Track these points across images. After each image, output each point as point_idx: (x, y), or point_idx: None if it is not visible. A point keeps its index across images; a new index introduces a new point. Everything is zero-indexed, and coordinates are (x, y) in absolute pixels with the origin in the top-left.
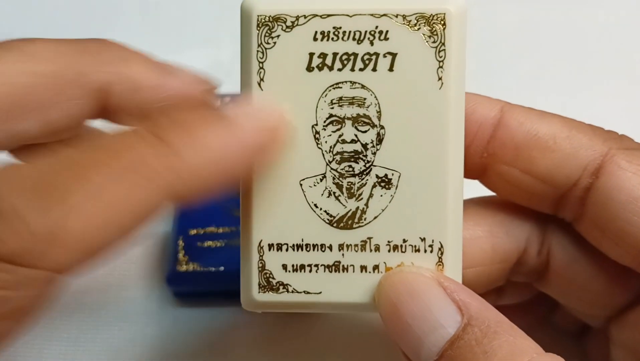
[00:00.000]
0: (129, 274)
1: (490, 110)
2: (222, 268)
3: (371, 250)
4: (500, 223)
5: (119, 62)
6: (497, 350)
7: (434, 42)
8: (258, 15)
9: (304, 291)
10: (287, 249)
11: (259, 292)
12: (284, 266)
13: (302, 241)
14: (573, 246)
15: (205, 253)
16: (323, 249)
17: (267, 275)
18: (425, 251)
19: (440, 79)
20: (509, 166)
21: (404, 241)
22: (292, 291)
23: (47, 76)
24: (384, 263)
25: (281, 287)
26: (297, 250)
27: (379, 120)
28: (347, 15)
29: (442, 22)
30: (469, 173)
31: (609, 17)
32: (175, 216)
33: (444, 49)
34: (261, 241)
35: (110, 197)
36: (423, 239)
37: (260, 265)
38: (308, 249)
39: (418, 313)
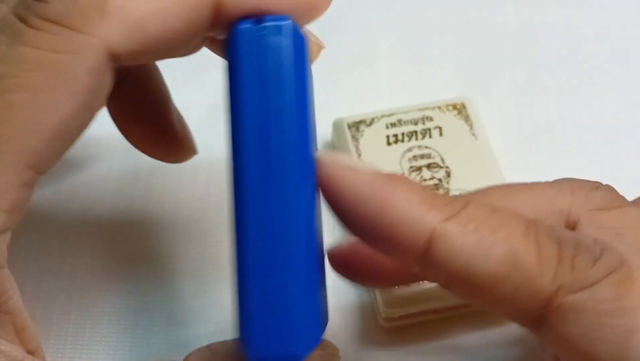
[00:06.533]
0: None
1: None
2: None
3: None
4: None
5: None
6: None
7: (461, 116)
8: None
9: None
10: None
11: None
12: None
13: None
14: None
15: None
16: None
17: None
18: None
19: (473, 135)
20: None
21: None
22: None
23: None
24: None
25: None
26: None
27: (444, 164)
28: (404, 112)
29: (463, 106)
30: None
31: (607, 20)
32: None
33: (470, 121)
34: None
35: None
36: None
37: None
38: None
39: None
